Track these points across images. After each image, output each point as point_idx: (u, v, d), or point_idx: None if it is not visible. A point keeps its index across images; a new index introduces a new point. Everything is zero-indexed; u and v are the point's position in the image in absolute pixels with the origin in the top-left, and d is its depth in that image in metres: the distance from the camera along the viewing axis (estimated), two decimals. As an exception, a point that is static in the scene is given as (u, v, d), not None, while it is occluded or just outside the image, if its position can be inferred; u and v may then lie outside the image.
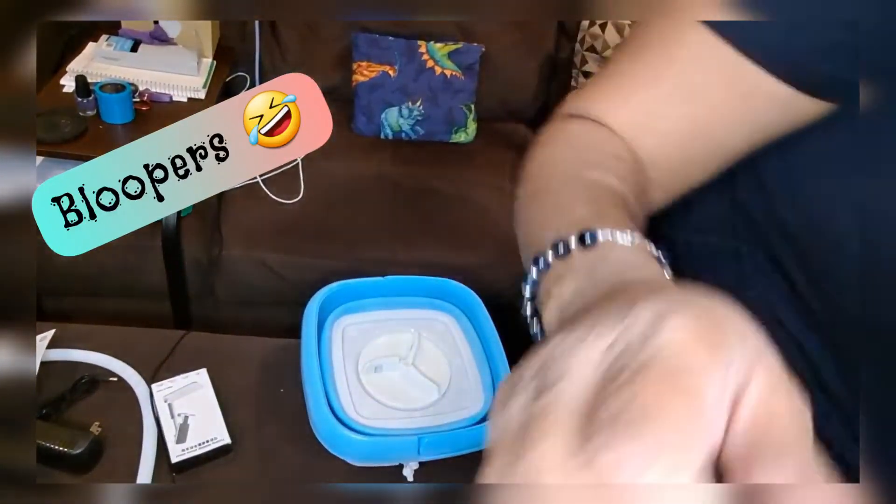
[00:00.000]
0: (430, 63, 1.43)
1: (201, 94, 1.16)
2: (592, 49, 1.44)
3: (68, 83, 1.08)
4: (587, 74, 1.46)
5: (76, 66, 1.13)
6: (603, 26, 1.41)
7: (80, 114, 1.02)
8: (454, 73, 1.44)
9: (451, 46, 1.45)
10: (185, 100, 1.14)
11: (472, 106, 1.48)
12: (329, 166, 1.29)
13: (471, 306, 0.90)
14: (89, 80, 1.03)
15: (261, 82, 1.44)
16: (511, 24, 1.52)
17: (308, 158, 1.29)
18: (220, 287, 1.11)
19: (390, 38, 1.42)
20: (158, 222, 1.06)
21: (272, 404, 0.77)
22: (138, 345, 0.82)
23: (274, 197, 1.17)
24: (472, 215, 1.26)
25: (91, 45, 1.20)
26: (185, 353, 0.83)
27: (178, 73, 1.17)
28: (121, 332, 0.82)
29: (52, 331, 0.78)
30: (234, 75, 1.47)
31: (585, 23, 1.43)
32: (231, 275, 1.09)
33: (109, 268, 1.06)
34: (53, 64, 1.20)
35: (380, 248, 1.15)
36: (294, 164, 1.26)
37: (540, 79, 1.61)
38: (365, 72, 1.41)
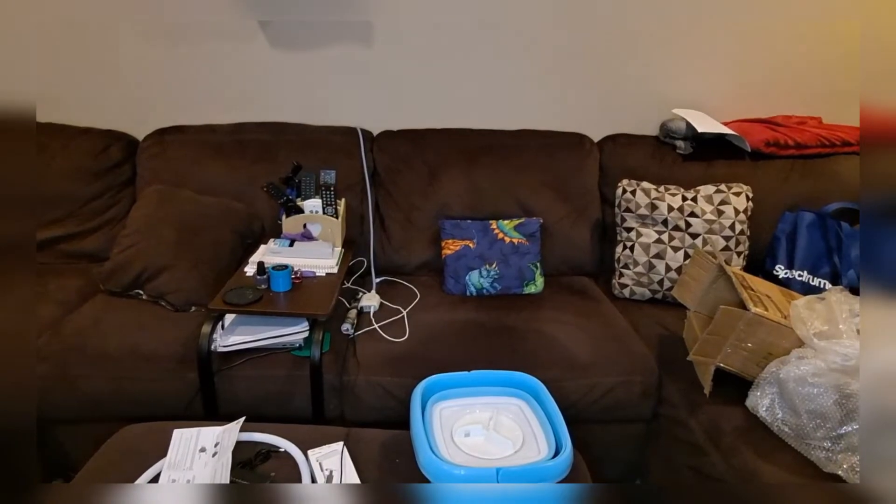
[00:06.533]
0: (501, 235, 1.84)
1: (335, 270, 1.62)
2: (628, 210, 1.80)
3: (250, 270, 1.58)
4: (629, 230, 1.81)
5: (255, 258, 1.65)
6: (633, 192, 1.79)
7: (257, 287, 1.49)
8: (520, 241, 1.84)
9: (516, 221, 1.87)
10: (324, 274, 1.59)
11: (539, 264, 1.84)
12: (427, 316, 1.66)
13: (537, 392, 1.19)
14: (264, 265, 1.52)
15: (375, 264, 1.92)
16: (560, 200, 1.95)
17: (411, 312, 1.68)
18: (348, 406, 1.45)
19: (469, 220, 1.88)
20: (306, 358, 1.44)
21: (390, 466, 1.07)
22: (296, 431, 1.16)
23: (388, 337, 1.54)
24: (543, 343, 1.54)
25: (263, 246, 1.73)
26: (328, 435, 1.17)
27: (319, 258, 1.64)
28: (285, 426, 1.18)
29: (243, 418, 1.14)
30: (356, 259, 1.97)
31: (619, 190, 1.82)
32: (356, 394, 1.43)
33: (271, 392, 1.43)
34: (238, 260, 1.75)
35: (467, 369, 1.44)
36: (401, 315, 1.65)
37: (593, 239, 1.98)
38: (451, 246, 1.84)
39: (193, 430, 1.12)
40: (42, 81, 2.03)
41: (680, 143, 1.98)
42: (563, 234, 1.95)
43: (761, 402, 1.24)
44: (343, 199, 1.87)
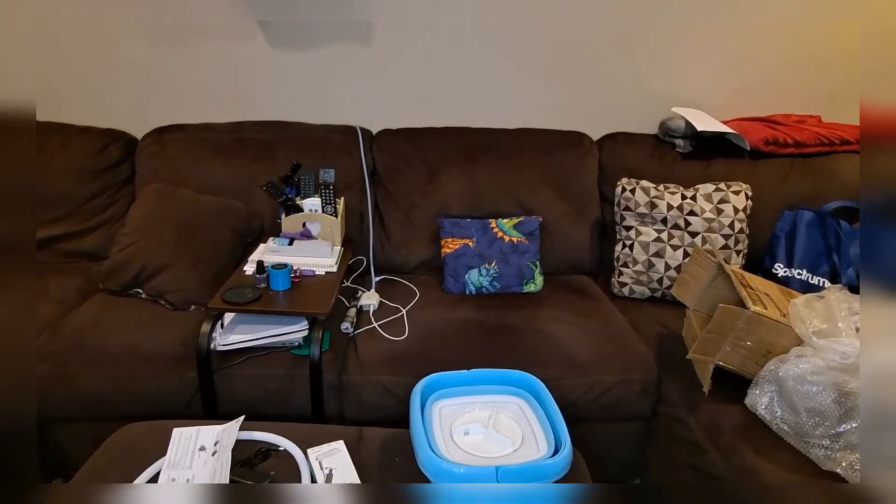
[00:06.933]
0: (500, 233, 1.84)
1: (334, 269, 1.62)
2: (627, 208, 1.81)
3: (249, 269, 1.58)
4: (628, 228, 1.81)
5: (254, 257, 1.65)
6: (633, 191, 1.79)
7: (257, 286, 1.49)
8: (520, 239, 1.84)
9: (515, 220, 1.87)
10: (323, 273, 1.59)
11: (538, 263, 1.84)
12: (426, 315, 1.66)
13: (537, 391, 1.19)
14: (264, 263, 1.51)
15: (374, 263, 1.92)
16: (560, 199, 1.95)
17: (410, 310, 1.68)
18: (347, 404, 1.45)
19: (468, 219, 1.88)
20: (306, 357, 1.44)
21: (390, 465, 1.07)
22: (296, 430, 1.16)
23: (387, 336, 1.54)
24: (542, 342, 1.54)
25: (262, 245, 1.73)
26: (328, 434, 1.16)
27: (319, 257, 1.64)
28: (285, 425, 1.18)
29: (243, 417, 1.14)
30: (355, 258, 1.97)
31: (619, 188, 1.82)
32: (355, 393, 1.43)
33: (271, 391, 1.43)
34: (237, 259, 1.75)
35: (467, 368, 1.44)
36: (401, 314, 1.65)
37: (592, 238, 1.99)
38: (450, 245, 1.84)
39: (193, 429, 1.12)
40: (42, 81, 2.03)
41: (679, 142, 1.98)
42: (562, 233, 1.95)
43: (760, 400, 1.25)
44: (342, 198, 1.87)
